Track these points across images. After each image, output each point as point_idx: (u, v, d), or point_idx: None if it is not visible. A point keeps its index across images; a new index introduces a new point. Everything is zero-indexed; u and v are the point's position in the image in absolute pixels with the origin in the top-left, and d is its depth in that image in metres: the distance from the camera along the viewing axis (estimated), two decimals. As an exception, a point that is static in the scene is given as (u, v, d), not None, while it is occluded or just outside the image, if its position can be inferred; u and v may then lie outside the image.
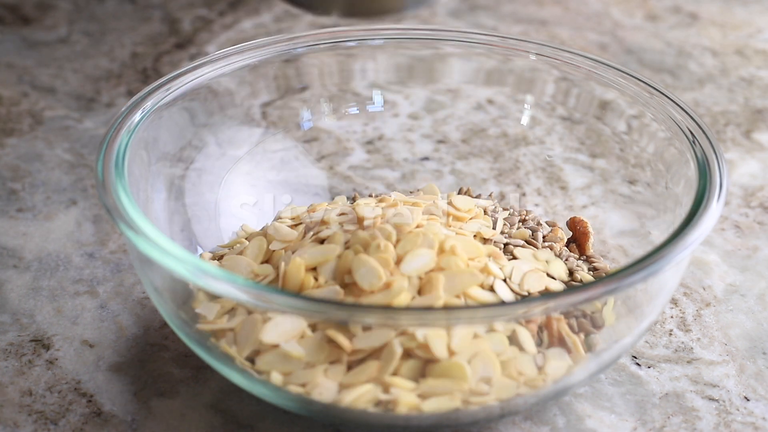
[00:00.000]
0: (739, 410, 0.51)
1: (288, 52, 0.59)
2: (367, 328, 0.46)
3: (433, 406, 0.46)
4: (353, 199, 0.59)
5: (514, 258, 0.52)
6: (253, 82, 0.59)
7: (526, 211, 0.57)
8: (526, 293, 0.50)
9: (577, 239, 0.56)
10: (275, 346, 0.47)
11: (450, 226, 0.52)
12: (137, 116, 0.52)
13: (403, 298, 0.47)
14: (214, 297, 0.49)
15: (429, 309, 0.46)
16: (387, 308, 0.46)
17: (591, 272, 0.54)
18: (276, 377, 0.47)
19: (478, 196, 0.59)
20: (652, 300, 0.49)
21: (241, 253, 0.52)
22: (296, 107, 0.62)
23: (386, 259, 0.48)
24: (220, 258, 0.53)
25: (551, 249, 0.54)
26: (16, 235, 0.61)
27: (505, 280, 0.50)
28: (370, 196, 0.59)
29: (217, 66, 0.57)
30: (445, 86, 0.66)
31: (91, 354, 0.53)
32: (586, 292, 0.44)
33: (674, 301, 0.57)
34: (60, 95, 0.73)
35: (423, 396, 0.46)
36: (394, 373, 0.46)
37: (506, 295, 0.49)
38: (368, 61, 0.61)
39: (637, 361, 0.53)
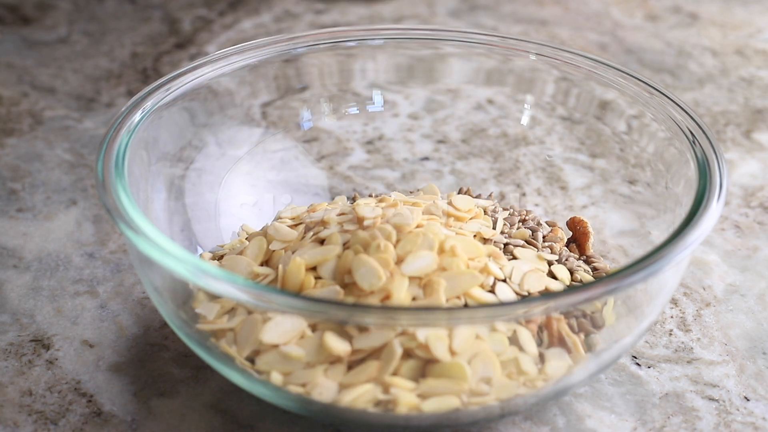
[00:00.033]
0: (739, 410, 0.51)
1: (288, 52, 0.59)
2: (366, 328, 0.46)
3: (433, 406, 0.46)
4: (353, 199, 0.59)
5: (514, 258, 0.52)
6: (253, 82, 0.59)
7: (526, 211, 0.57)
8: (526, 293, 0.50)
9: (577, 239, 0.56)
10: (275, 346, 0.47)
11: (450, 226, 0.52)
12: (137, 116, 0.52)
13: (404, 299, 0.47)
14: (214, 297, 0.49)
15: (429, 309, 0.46)
16: (387, 308, 0.46)
17: (591, 272, 0.54)
18: (276, 377, 0.47)
19: (478, 196, 0.59)
20: (652, 300, 0.49)
21: (241, 253, 0.52)
22: (296, 107, 0.62)
23: (386, 259, 0.48)
24: (220, 258, 0.53)
25: (551, 249, 0.54)
26: (16, 235, 0.61)
27: (505, 280, 0.50)
28: (370, 196, 0.59)
29: (217, 66, 0.57)
30: (445, 86, 0.66)
31: (91, 354, 0.53)
32: (586, 292, 0.44)
33: (674, 301, 0.57)
34: (60, 95, 0.73)
35: (423, 396, 0.46)
36: (394, 373, 0.46)
37: (506, 295, 0.49)
38: (368, 61, 0.61)
39: (637, 361, 0.53)
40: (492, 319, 0.46)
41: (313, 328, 0.47)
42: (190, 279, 0.45)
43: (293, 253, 0.50)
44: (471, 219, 0.53)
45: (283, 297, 0.44)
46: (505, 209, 0.56)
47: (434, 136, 0.66)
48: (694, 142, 0.51)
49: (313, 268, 0.49)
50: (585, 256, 0.55)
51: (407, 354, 0.46)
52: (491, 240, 0.52)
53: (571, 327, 0.50)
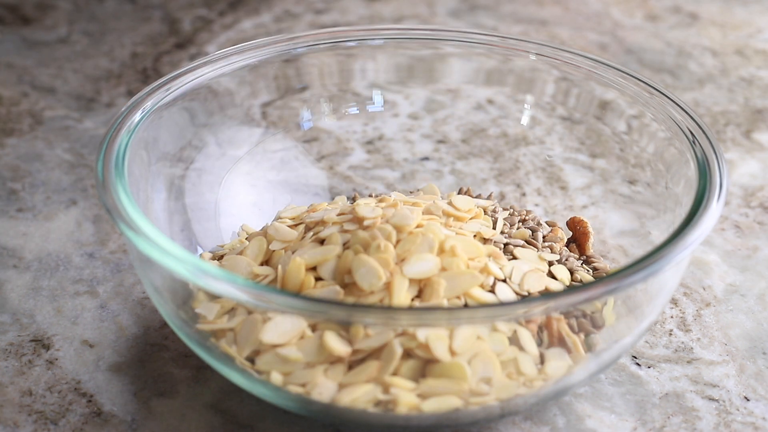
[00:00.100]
0: (739, 410, 0.51)
1: (288, 52, 0.59)
2: (366, 329, 0.46)
3: (433, 406, 0.46)
4: (353, 199, 0.59)
5: (514, 258, 0.52)
6: (253, 82, 0.59)
7: (526, 211, 0.57)
8: (526, 293, 0.50)
9: (577, 239, 0.56)
10: (275, 346, 0.47)
11: (450, 226, 0.52)
12: (137, 116, 0.52)
13: (404, 299, 0.47)
14: (214, 297, 0.49)
15: (429, 309, 0.46)
16: (387, 308, 0.46)
17: (591, 272, 0.54)
18: (276, 377, 0.47)
19: (478, 196, 0.59)
20: (652, 300, 0.49)
21: (241, 253, 0.52)
22: (296, 107, 0.62)
23: (386, 259, 0.48)
24: (220, 258, 0.53)
25: (551, 249, 0.54)
26: (16, 235, 0.61)
27: (505, 280, 0.50)
28: (370, 196, 0.59)
29: (217, 66, 0.57)
30: (445, 86, 0.66)
31: (91, 354, 0.53)
32: (586, 292, 0.44)
33: (674, 301, 0.57)
34: (60, 95, 0.73)
35: (423, 396, 0.46)
36: (394, 373, 0.46)
37: (506, 295, 0.49)
38: (368, 61, 0.61)
39: (637, 361, 0.53)
40: (492, 319, 0.46)
41: (313, 328, 0.47)
42: (190, 279, 0.45)
43: (293, 253, 0.50)
44: (471, 219, 0.53)
45: (283, 297, 0.44)
46: (505, 209, 0.56)
47: (434, 136, 0.66)
48: (694, 142, 0.51)
49: (313, 268, 0.49)
50: (585, 256, 0.55)
51: (407, 354, 0.46)
52: (491, 240, 0.52)
53: (571, 327, 0.50)
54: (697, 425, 0.50)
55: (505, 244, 0.53)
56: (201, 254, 0.54)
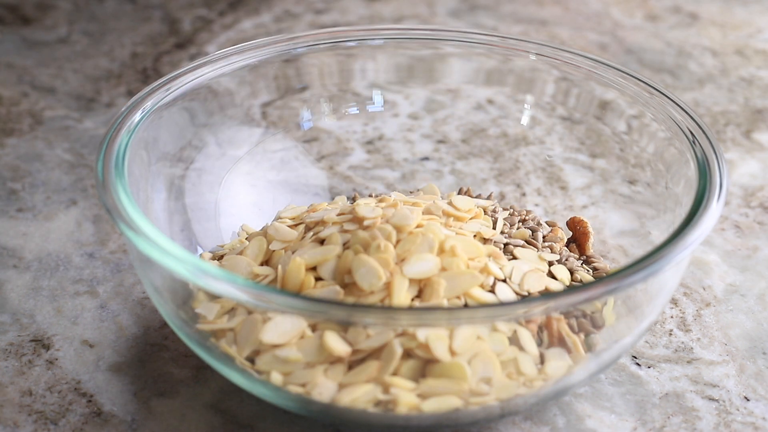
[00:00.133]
0: (739, 410, 0.51)
1: (288, 52, 0.59)
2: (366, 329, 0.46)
3: (433, 406, 0.46)
4: (353, 199, 0.59)
5: (514, 258, 0.52)
6: (253, 82, 0.59)
7: (526, 211, 0.57)
8: (526, 293, 0.50)
9: (577, 239, 0.56)
10: (275, 346, 0.47)
11: (450, 226, 0.52)
12: (137, 116, 0.52)
13: (404, 299, 0.47)
14: (214, 297, 0.49)
15: (429, 309, 0.46)
16: (387, 308, 0.46)
17: (591, 272, 0.54)
18: (276, 377, 0.47)
19: (478, 196, 0.59)
20: (652, 300, 0.49)
21: (241, 253, 0.52)
22: (296, 107, 0.62)
23: (386, 259, 0.48)
24: (220, 258, 0.53)
25: (551, 249, 0.54)
26: (16, 235, 0.61)
27: (505, 280, 0.50)
28: (370, 196, 0.59)
29: (217, 66, 0.57)
30: (445, 86, 0.66)
31: (91, 354, 0.53)
32: (586, 292, 0.44)
33: (674, 301, 0.57)
34: (60, 95, 0.73)
35: (423, 396, 0.46)
36: (394, 373, 0.46)
37: (506, 295, 0.49)
38: (368, 61, 0.61)
39: (637, 361, 0.53)
40: (492, 319, 0.46)
41: (313, 328, 0.47)
42: (190, 279, 0.45)
43: (293, 253, 0.50)
44: (471, 219, 0.53)
45: (283, 297, 0.44)
46: (505, 209, 0.56)
47: (434, 136, 0.66)
48: (694, 142, 0.51)
49: (313, 268, 0.49)
50: (585, 256, 0.55)
51: (407, 354, 0.46)
52: (491, 240, 0.52)
53: (571, 327, 0.50)
54: (697, 425, 0.50)
55: (505, 244, 0.53)
56: (201, 254, 0.54)
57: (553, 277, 0.52)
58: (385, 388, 0.46)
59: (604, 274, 0.54)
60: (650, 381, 0.52)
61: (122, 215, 0.46)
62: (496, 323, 0.47)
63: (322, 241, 0.50)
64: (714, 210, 0.47)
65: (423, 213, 0.52)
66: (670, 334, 0.55)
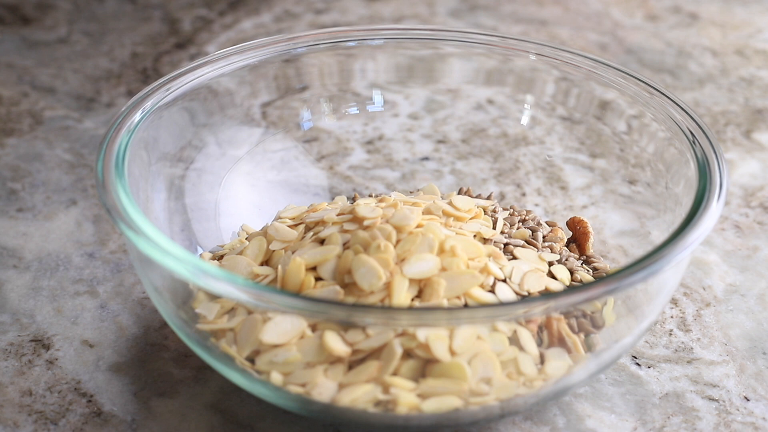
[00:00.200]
0: (739, 410, 0.51)
1: (288, 52, 0.59)
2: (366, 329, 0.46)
3: (433, 406, 0.46)
4: (353, 199, 0.59)
5: (514, 258, 0.52)
6: (253, 82, 0.59)
7: (526, 211, 0.57)
8: (526, 293, 0.50)
9: (577, 239, 0.56)
10: (275, 346, 0.47)
11: (450, 226, 0.52)
12: (137, 116, 0.52)
13: (404, 299, 0.47)
14: (214, 297, 0.49)
15: (429, 309, 0.46)
16: (387, 308, 0.46)
17: (591, 272, 0.54)
18: (276, 377, 0.47)
19: (478, 196, 0.59)
20: (652, 300, 0.49)
21: (241, 253, 0.52)
22: (296, 107, 0.62)
23: (386, 259, 0.48)
24: (220, 258, 0.53)
25: (551, 249, 0.54)
26: (16, 235, 0.61)
27: (505, 281, 0.50)
28: (370, 196, 0.59)
29: (217, 66, 0.57)
30: (445, 86, 0.66)
31: (91, 354, 0.53)
32: (586, 292, 0.44)
33: (674, 301, 0.57)
34: (60, 95, 0.73)
35: (423, 396, 0.46)
36: (394, 373, 0.46)
37: (506, 295, 0.49)
38: (368, 61, 0.61)
39: (637, 361, 0.53)
40: (492, 319, 0.46)
41: (313, 328, 0.47)
42: (190, 279, 0.45)
43: (293, 253, 0.50)
44: (471, 219, 0.53)
45: (283, 297, 0.44)
46: (505, 209, 0.56)
47: (434, 136, 0.66)
48: (694, 142, 0.51)
49: (313, 268, 0.49)
50: (585, 256, 0.55)
51: (407, 354, 0.46)
52: (491, 240, 0.52)
53: (571, 327, 0.50)
54: (697, 425, 0.50)
55: (505, 244, 0.53)
56: (201, 254, 0.54)
57: (553, 277, 0.52)
58: (385, 388, 0.46)
59: (604, 274, 0.54)
60: (650, 381, 0.52)
61: (122, 215, 0.46)
62: (496, 323, 0.47)
63: (322, 241, 0.50)
64: (714, 210, 0.47)
65: (423, 213, 0.52)
66: (670, 334, 0.55)
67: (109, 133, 0.51)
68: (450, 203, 0.53)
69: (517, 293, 0.49)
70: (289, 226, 0.53)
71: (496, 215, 0.55)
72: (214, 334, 0.48)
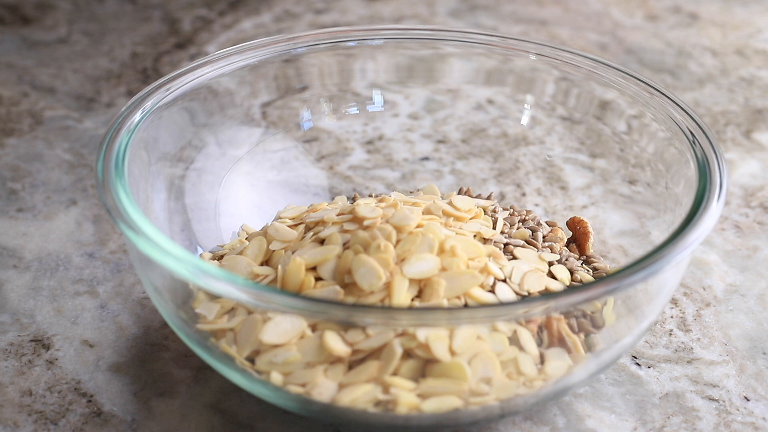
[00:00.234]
0: (739, 410, 0.51)
1: (288, 52, 0.59)
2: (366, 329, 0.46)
3: (433, 406, 0.46)
4: (353, 199, 0.59)
5: (514, 258, 0.52)
6: (253, 82, 0.59)
7: (526, 211, 0.57)
8: (526, 293, 0.50)
9: (577, 239, 0.56)
10: (275, 346, 0.47)
11: (450, 226, 0.52)
12: (137, 116, 0.52)
13: (404, 299, 0.47)
14: (214, 297, 0.49)
15: (429, 309, 0.46)
16: (387, 308, 0.46)
17: (591, 272, 0.54)
18: (276, 377, 0.47)
19: (478, 196, 0.59)
20: (652, 300, 0.49)
21: (241, 253, 0.52)
22: (296, 107, 0.62)
23: (386, 260, 0.48)
24: (220, 258, 0.53)
25: (551, 249, 0.54)
26: (16, 235, 0.61)
27: (505, 281, 0.50)
28: (370, 196, 0.59)
29: (217, 66, 0.57)
30: (445, 86, 0.66)
31: (91, 354, 0.53)
32: (586, 292, 0.44)
33: (674, 301, 0.57)
34: (60, 95, 0.73)
35: (423, 396, 0.46)
36: (394, 373, 0.46)
37: (506, 295, 0.49)
38: (368, 61, 0.61)
39: (637, 361, 0.53)
40: (492, 319, 0.46)
41: (313, 328, 0.47)
42: (190, 279, 0.45)
43: (293, 253, 0.50)
44: (471, 219, 0.53)
45: (283, 297, 0.44)
46: (505, 209, 0.56)
47: (434, 136, 0.66)
48: (694, 142, 0.51)
49: (313, 268, 0.49)
50: (585, 256, 0.55)
51: (407, 354, 0.46)
52: (491, 240, 0.52)
53: (571, 327, 0.50)
54: (697, 425, 0.50)
55: (505, 244, 0.53)
56: (201, 254, 0.54)
57: (553, 277, 0.52)
58: (385, 388, 0.46)
59: (604, 274, 0.54)
60: (650, 381, 0.52)
61: (122, 215, 0.46)
62: (496, 323, 0.47)
63: (322, 241, 0.50)
64: (714, 210, 0.47)
65: (423, 213, 0.52)
66: (670, 334, 0.55)
67: (109, 133, 0.51)
68: (450, 203, 0.53)
69: (517, 293, 0.49)
70: (289, 226, 0.53)
71: (496, 215, 0.55)
72: (214, 334, 0.48)
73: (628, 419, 0.50)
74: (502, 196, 0.62)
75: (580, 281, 0.53)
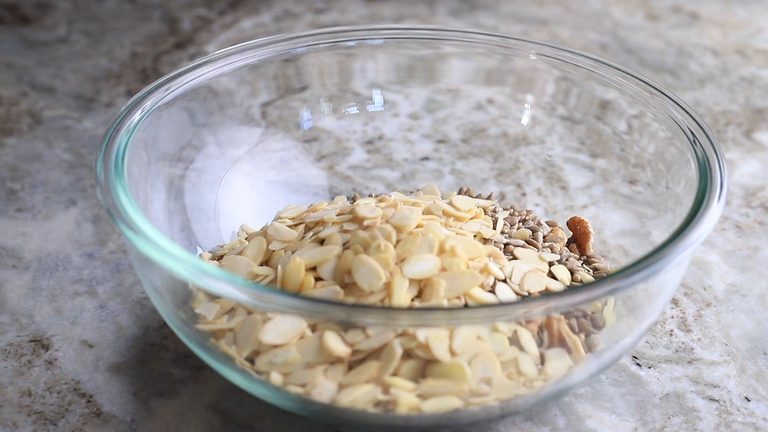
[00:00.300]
0: (739, 410, 0.51)
1: (288, 52, 0.59)
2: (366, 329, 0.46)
3: (433, 406, 0.46)
4: (353, 199, 0.59)
5: (515, 258, 0.52)
6: (252, 81, 0.59)
7: (527, 211, 0.57)
8: (526, 293, 0.50)
9: (578, 239, 0.56)
10: (275, 347, 0.47)
11: (450, 226, 0.51)
12: (137, 116, 0.52)
13: (404, 299, 0.47)
14: (213, 297, 0.49)
15: (429, 309, 0.46)
16: (387, 308, 0.46)
17: (591, 272, 0.54)
18: (276, 377, 0.46)
19: (478, 196, 0.58)
20: (652, 300, 0.48)
21: (240, 253, 0.52)
22: (296, 107, 0.62)
23: (386, 260, 0.48)
24: (219, 258, 0.53)
25: (552, 249, 0.54)
26: (16, 235, 0.60)
27: (505, 281, 0.50)
28: (370, 196, 0.59)
29: (217, 66, 0.56)
30: (445, 86, 0.66)
31: (91, 354, 0.53)
32: (586, 292, 0.44)
33: (675, 302, 0.57)
34: (60, 95, 0.73)
35: (423, 396, 0.46)
36: (394, 374, 0.46)
37: (506, 295, 0.49)
38: (368, 61, 0.61)
39: (638, 361, 0.53)
40: (492, 320, 0.46)
41: (313, 328, 0.47)
42: (190, 279, 0.45)
43: (293, 253, 0.50)
44: (471, 219, 0.53)
45: (282, 297, 0.44)
46: (505, 209, 0.56)
47: (434, 136, 0.66)
48: (694, 141, 0.51)
49: (313, 268, 0.49)
50: (585, 256, 0.55)
51: (407, 354, 0.46)
52: (491, 240, 0.52)
53: (571, 327, 0.49)
54: (697, 426, 0.50)
55: (506, 244, 0.53)
56: (201, 254, 0.54)
57: (554, 277, 0.52)
58: (385, 389, 0.46)
59: (605, 274, 0.54)
60: (651, 381, 0.52)
61: (122, 215, 0.46)
62: (496, 323, 0.47)
63: (322, 241, 0.50)
64: (714, 210, 0.47)
65: (423, 213, 0.51)
66: (671, 335, 0.55)
67: (109, 133, 0.51)
68: (450, 203, 0.53)
69: (517, 293, 0.49)
70: (288, 226, 0.53)
71: (497, 215, 0.55)
72: (214, 334, 0.48)
73: (629, 420, 0.50)
74: (502, 196, 0.62)
75: (581, 281, 0.52)
